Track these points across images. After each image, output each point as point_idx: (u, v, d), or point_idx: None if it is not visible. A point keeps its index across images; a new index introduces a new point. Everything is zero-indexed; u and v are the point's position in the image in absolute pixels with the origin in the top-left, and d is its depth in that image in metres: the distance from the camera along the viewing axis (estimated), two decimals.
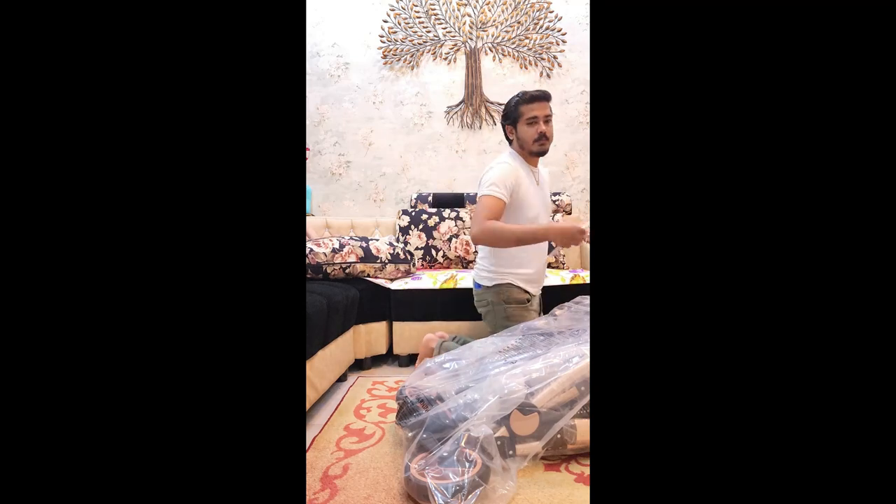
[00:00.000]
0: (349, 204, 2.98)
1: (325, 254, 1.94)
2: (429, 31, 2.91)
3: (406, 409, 1.22)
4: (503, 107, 1.78)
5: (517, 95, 1.70)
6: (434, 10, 2.88)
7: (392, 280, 2.13)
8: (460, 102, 2.93)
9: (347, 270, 2.01)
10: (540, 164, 1.82)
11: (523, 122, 1.68)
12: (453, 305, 2.02)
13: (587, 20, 2.88)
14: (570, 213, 2.62)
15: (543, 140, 1.68)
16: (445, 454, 1.01)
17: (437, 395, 1.20)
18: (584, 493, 1.02)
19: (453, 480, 0.95)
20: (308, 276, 1.94)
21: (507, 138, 1.77)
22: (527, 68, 2.91)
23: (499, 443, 1.05)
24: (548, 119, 1.68)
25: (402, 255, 2.16)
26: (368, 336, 2.02)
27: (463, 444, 1.02)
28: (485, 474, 0.98)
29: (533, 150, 1.70)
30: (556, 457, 1.16)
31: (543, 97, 1.67)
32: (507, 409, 1.10)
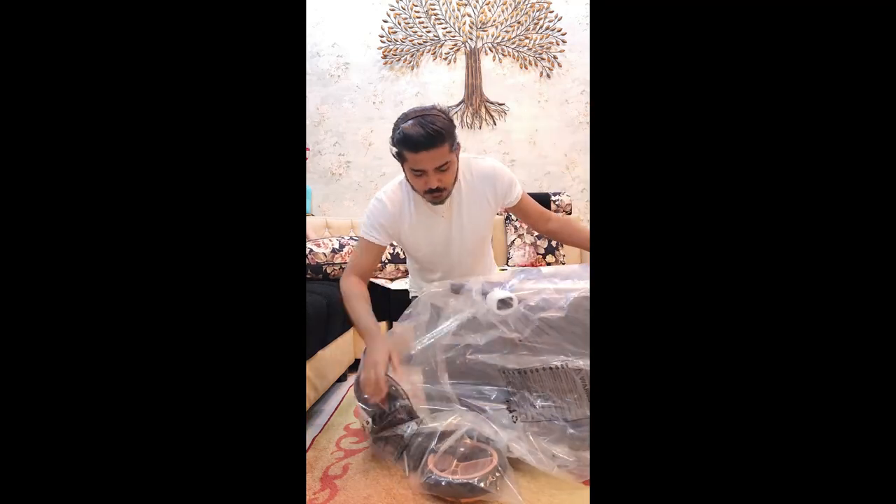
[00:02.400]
0: (349, 204, 2.98)
1: (324, 254, 1.95)
2: (429, 31, 2.90)
3: (382, 418, 1.13)
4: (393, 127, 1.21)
5: (399, 130, 1.14)
6: (434, 10, 2.88)
7: (392, 280, 2.13)
8: (460, 102, 2.93)
9: None
10: (468, 175, 1.29)
11: (408, 167, 1.18)
12: None
13: (587, 20, 2.88)
14: (569, 213, 2.62)
15: (436, 194, 1.19)
16: (463, 449, 1.05)
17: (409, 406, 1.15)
18: (584, 493, 1.02)
19: (487, 470, 0.99)
20: (308, 276, 1.94)
21: None
22: (527, 68, 2.91)
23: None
24: (442, 168, 1.15)
25: (402, 255, 2.16)
26: None
27: (475, 439, 1.07)
28: (503, 464, 1.03)
29: (426, 199, 1.23)
30: None
31: (427, 143, 1.10)
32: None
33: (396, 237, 1.32)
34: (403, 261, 2.15)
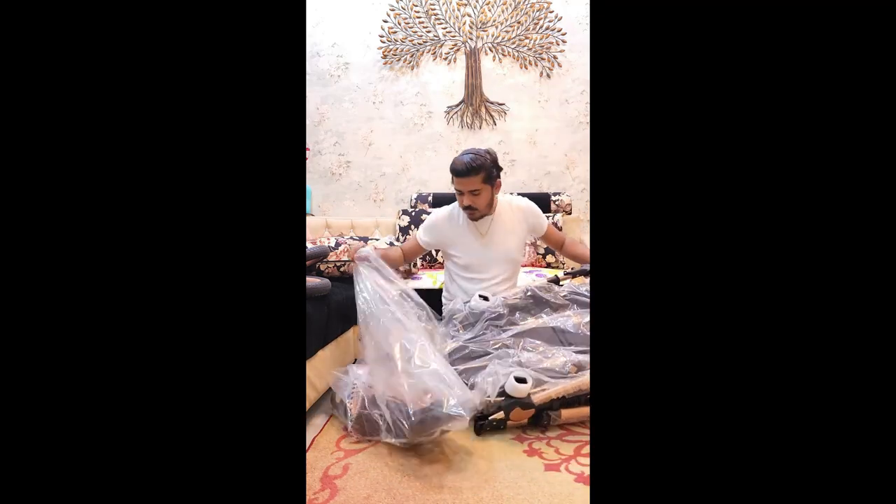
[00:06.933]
0: (349, 204, 2.98)
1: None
2: (429, 31, 2.90)
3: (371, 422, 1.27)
4: None
5: (454, 160, 1.64)
6: (434, 10, 2.88)
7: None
8: (460, 102, 2.93)
9: (342, 269, 2.00)
10: (508, 207, 1.74)
11: (454, 188, 1.65)
12: None
13: (587, 20, 2.88)
14: (569, 213, 2.62)
15: (471, 211, 1.65)
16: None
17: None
18: (584, 493, 1.02)
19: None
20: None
21: None
22: (527, 68, 2.91)
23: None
24: (475, 193, 1.60)
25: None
26: None
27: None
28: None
29: (465, 214, 1.69)
30: (555, 458, 1.17)
31: (464, 173, 1.58)
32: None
33: (441, 243, 1.78)
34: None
